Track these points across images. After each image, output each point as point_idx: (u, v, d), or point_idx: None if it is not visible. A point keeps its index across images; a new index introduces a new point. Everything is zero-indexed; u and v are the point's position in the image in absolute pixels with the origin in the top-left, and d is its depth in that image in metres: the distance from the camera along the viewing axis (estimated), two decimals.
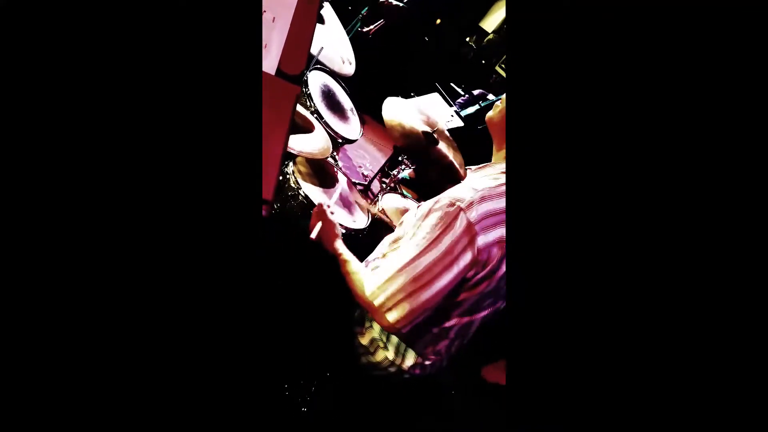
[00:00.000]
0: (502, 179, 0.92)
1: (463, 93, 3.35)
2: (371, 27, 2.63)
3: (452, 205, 0.86)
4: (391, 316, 0.87)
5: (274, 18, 0.53)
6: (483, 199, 0.86)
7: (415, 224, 0.93)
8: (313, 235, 1.10)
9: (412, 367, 1.04)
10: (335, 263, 1.04)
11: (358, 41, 2.01)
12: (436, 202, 0.90)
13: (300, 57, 0.47)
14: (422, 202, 1.08)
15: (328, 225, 1.11)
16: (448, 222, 0.85)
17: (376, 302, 0.88)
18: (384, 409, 1.19)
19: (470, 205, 0.85)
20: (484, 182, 0.91)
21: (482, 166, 1.02)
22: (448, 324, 0.98)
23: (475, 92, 3.58)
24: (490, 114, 1.01)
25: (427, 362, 1.04)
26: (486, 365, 1.82)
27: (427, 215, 0.90)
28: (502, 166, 0.96)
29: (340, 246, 1.06)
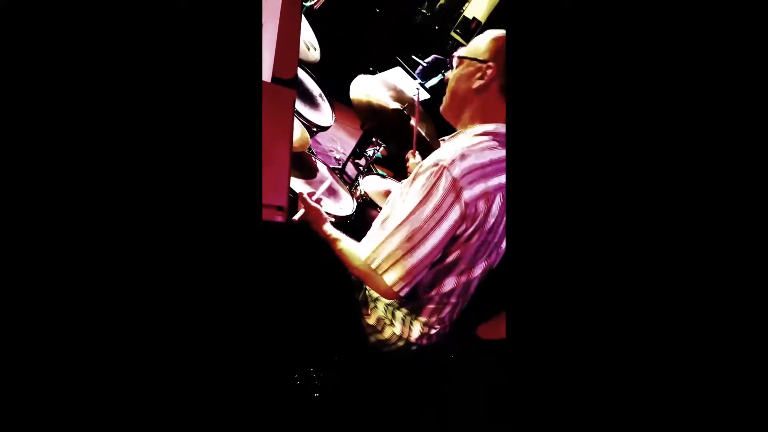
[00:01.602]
0: (479, 138, 0.98)
1: (422, 63, 3.34)
2: (315, 1, 2.56)
3: (436, 165, 0.91)
4: (389, 278, 0.92)
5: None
6: (464, 156, 0.91)
7: (402, 192, 0.97)
8: (296, 217, 1.12)
9: (419, 337, 1.10)
10: (329, 251, 1.07)
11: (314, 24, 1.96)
12: (420, 166, 0.95)
13: (291, 60, 0.47)
14: (405, 180, 1.11)
15: (313, 211, 1.13)
16: (433, 181, 0.90)
17: (373, 265, 0.93)
18: (393, 383, 1.25)
19: (452, 162, 0.90)
20: (463, 143, 0.97)
21: (454, 135, 1.07)
22: (448, 288, 1.03)
23: (429, 59, 3.58)
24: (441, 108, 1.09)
25: (432, 331, 1.10)
26: (480, 325, 1.92)
27: (414, 180, 0.94)
28: (474, 130, 1.01)
29: (328, 228, 1.10)
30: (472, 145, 0.95)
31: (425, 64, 3.42)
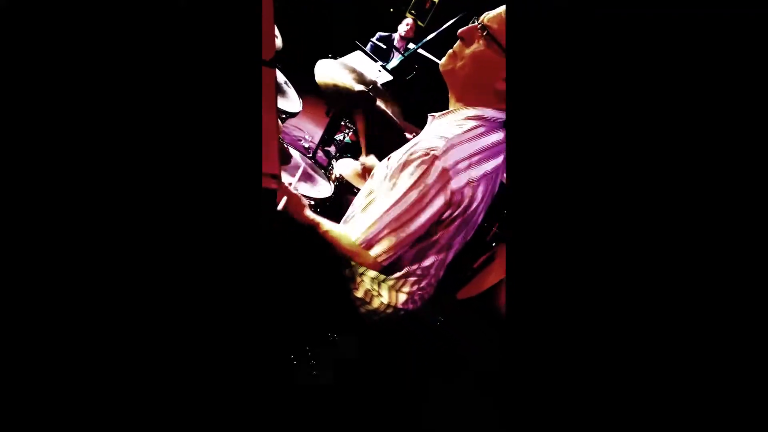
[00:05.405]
0: (468, 124, 1.01)
1: (382, 45, 3.36)
2: None
3: (427, 154, 0.94)
4: (374, 251, 0.99)
5: None
6: (453, 146, 0.96)
7: (391, 174, 1.00)
8: (280, 206, 1.15)
9: (405, 303, 1.17)
10: (312, 233, 1.11)
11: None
12: (411, 153, 0.97)
13: (270, 43, 0.51)
14: (391, 155, 1.16)
15: (294, 198, 1.17)
16: (424, 169, 0.94)
17: (359, 241, 0.99)
18: (386, 350, 1.33)
19: (444, 152, 0.94)
20: (451, 129, 1.00)
21: (445, 113, 1.09)
22: (427, 263, 1.11)
23: (376, 37, 3.62)
24: (442, 62, 1.05)
25: (416, 296, 1.18)
26: (459, 289, 2.03)
27: (404, 166, 0.97)
28: (465, 112, 1.03)
29: (310, 214, 1.14)
30: (462, 132, 0.98)
31: (375, 42, 3.46)
